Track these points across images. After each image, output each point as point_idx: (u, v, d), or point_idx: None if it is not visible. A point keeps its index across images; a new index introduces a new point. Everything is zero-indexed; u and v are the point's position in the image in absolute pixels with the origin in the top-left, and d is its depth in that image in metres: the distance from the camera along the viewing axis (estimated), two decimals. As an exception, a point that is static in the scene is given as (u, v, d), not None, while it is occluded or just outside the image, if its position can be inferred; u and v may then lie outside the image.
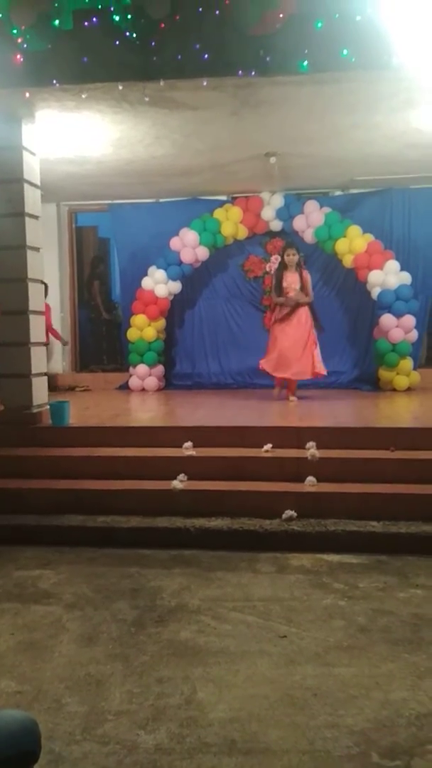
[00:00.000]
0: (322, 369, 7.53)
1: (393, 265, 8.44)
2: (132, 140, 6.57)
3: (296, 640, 3.30)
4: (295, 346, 7.40)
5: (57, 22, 4.97)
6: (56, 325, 9.61)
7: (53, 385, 8.99)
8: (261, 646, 3.25)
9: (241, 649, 3.22)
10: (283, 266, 7.63)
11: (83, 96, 5.28)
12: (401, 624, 3.46)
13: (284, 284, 7.53)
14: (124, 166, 7.54)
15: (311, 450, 5.32)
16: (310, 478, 5.11)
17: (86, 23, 4.97)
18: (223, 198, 9.15)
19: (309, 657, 3.13)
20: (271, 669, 3.03)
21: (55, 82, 5.08)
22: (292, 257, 7.48)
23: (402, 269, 8.48)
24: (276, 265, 8.23)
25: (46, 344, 8.98)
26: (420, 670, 3.00)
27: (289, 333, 7.46)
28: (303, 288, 7.51)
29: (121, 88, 5.13)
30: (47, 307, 9.15)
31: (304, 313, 7.49)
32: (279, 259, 7.66)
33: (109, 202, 9.46)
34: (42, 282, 6.47)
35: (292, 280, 7.50)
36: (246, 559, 4.39)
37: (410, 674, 2.97)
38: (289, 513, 4.79)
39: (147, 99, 5.36)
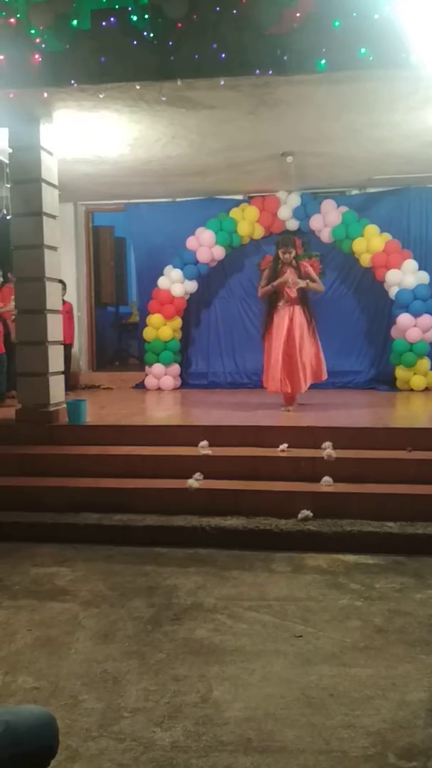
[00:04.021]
0: (323, 374, 6.74)
1: (411, 264, 8.39)
2: (149, 140, 6.59)
3: (312, 640, 3.29)
4: (292, 356, 6.52)
5: (75, 22, 5.00)
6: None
7: (73, 384, 9.05)
8: (277, 645, 3.24)
9: (256, 648, 3.22)
10: (278, 263, 6.70)
11: (101, 96, 5.30)
12: (418, 625, 3.44)
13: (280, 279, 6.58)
14: (140, 166, 7.56)
15: (327, 450, 5.30)
16: (326, 478, 5.10)
17: (104, 23, 4.99)
18: (240, 197, 9.14)
19: (325, 657, 3.12)
20: (287, 668, 3.03)
21: (73, 82, 5.10)
22: (288, 255, 6.63)
23: (420, 268, 8.43)
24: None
25: (71, 344, 9.06)
26: (437, 672, 2.98)
27: (281, 341, 6.52)
28: (311, 279, 6.65)
29: (138, 87, 5.14)
30: (69, 305, 9.22)
31: (298, 314, 6.59)
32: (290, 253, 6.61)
33: (126, 201, 9.49)
34: (60, 281, 6.51)
35: (290, 275, 6.59)
36: (262, 558, 4.39)
37: (427, 675, 2.95)
38: (305, 513, 4.78)
39: (164, 98, 5.37)
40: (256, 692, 2.83)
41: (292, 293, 6.56)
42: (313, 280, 6.68)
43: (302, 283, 6.57)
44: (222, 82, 5.06)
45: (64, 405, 6.20)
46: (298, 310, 6.61)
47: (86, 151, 6.90)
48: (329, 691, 2.83)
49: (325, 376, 6.80)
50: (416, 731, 2.54)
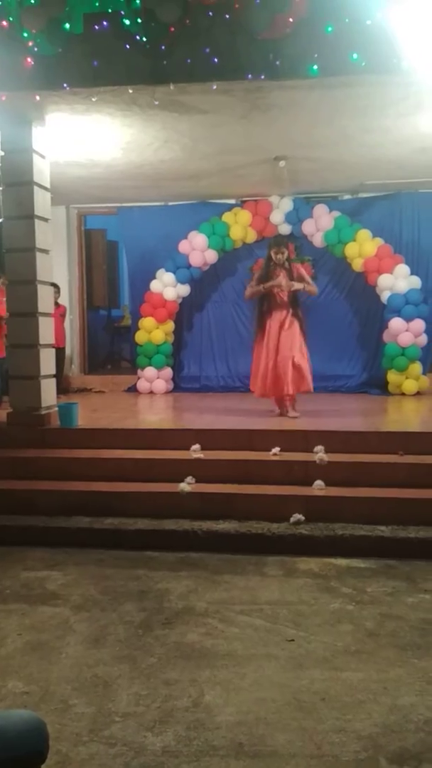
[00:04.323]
0: (309, 386, 6.55)
1: (403, 269, 8.42)
2: (141, 144, 6.59)
3: (304, 644, 3.28)
4: (283, 362, 6.41)
5: (68, 25, 4.99)
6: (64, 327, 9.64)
7: (65, 387, 9.02)
8: (268, 649, 3.24)
9: (248, 652, 3.21)
10: (271, 264, 6.58)
11: (93, 99, 5.30)
12: (410, 629, 3.45)
13: (272, 281, 6.50)
14: (133, 170, 7.56)
15: (319, 454, 5.31)
16: (319, 482, 5.10)
17: (97, 27, 5.00)
18: (232, 201, 9.16)
19: (317, 661, 3.12)
20: (278, 673, 3.02)
21: (65, 85, 5.10)
22: (280, 256, 6.52)
23: (411, 273, 8.47)
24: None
25: (63, 348, 9.04)
26: (428, 675, 2.98)
27: (271, 347, 6.47)
28: (304, 281, 6.58)
29: (131, 91, 5.15)
30: (63, 309, 9.20)
31: (289, 320, 6.50)
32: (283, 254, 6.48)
33: (118, 205, 9.49)
34: (53, 285, 6.49)
35: (282, 279, 6.51)
36: (253, 562, 4.38)
37: (418, 679, 2.95)
38: (297, 516, 4.78)
39: (157, 102, 5.37)
40: (247, 696, 2.82)
41: (284, 297, 6.50)
42: (307, 283, 6.61)
43: (298, 286, 6.50)
44: (215, 87, 5.07)
45: (56, 408, 6.18)
46: (289, 315, 6.53)
47: (79, 154, 6.89)
48: (321, 696, 2.82)
49: (308, 389, 6.56)
50: (408, 735, 2.54)
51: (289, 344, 6.45)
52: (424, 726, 2.60)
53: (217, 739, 2.53)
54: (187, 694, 2.84)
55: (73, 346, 9.95)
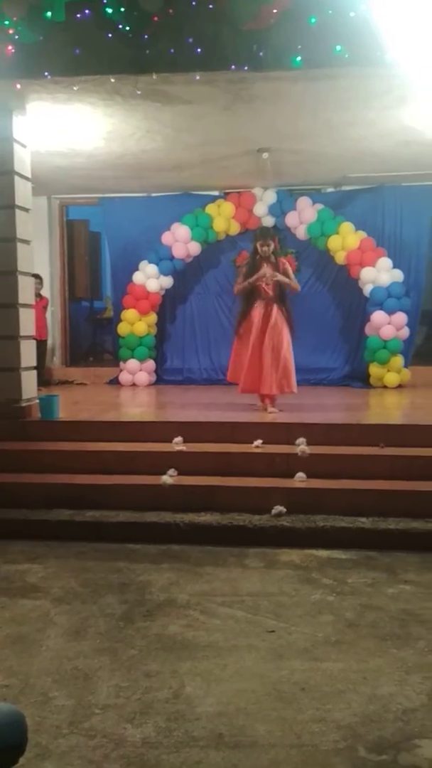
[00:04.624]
0: (293, 387, 6.45)
1: (385, 262, 8.46)
2: (123, 134, 6.54)
3: (284, 635, 3.30)
4: (269, 360, 6.30)
5: (49, 13, 4.92)
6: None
7: (47, 380, 8.97)
8: (249, 640, 3.25)
9: (229, 643, 3.22)
10: (257, 257, 6.46)
11: (75, 88, 5.25)
12: (389, 619, 3.48)
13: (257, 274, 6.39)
14: (115, 160, 7.51)
15: (301, 446, 5.33)
16: (300, 474, 5.12)
17: (78, 15, 4.93)
18: (215, 193, 9.13)
19: (297, 652, 3.14)
20: (259, 663, 3.03)
21: (46, 74, 5.04)
22: (266, 248, 6.38)
23: (394, 266, 8.50)
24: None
25: (45, 340, 8.98)
26: (407, 666, 3.01)
27: (257, 344, 6.34)
28: (288, 277, 6.46)
29: (113, 80, 5.10)
30: (46, 301, 9.14)
31: (275, 314, 6.38)
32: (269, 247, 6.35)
33: (101, 195, 9.42)
34: (35, 276, 6.43)
35: (268, 272, 6.38)
36: (235, 554, 4.39)
37: (398, 669, 2.98)
38: (279, 508, 4.80)
39: (139, 92, 5.33)
40: (227, 687, 2.83)
41: (270, 290, 6.37)
42: (291, 279, 6.48)
43: (281, 277, 6.36)
44: (198, 77, 5.04)
45: (37, 400, 6.14)
46: (275, 309, 6.39)
47: (60, 143, 6.83)
48: (301, 686, 2.84)
49: (292, 390, 6.45)
50: (386, 725, 2.57)
51: (275, 342, 6.32)
52: (402, 715, 2.63)
53: (197, 730, 2.54)
54: (168, 686, 2.85)
55: (54, 337, 9.89)
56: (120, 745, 2.45)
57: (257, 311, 6.42)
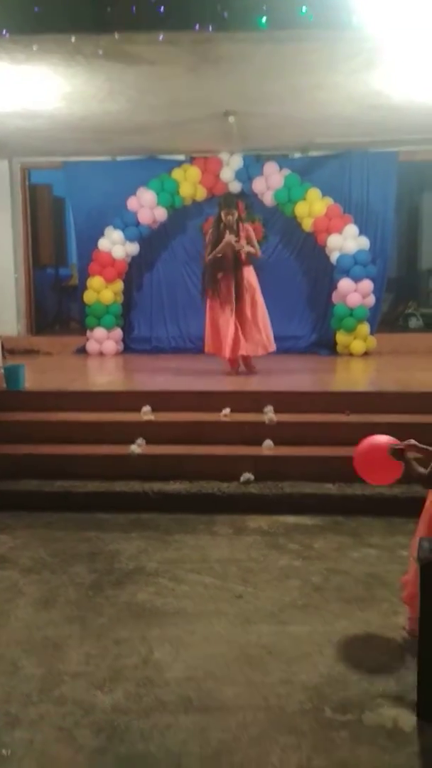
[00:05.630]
0: (271, 345, 6.82)
1: (352, 229, 8.43)
2: (85, 95, 6.35)
3: (252, 600, 3.36)
4: (246, 319, 6.53)
5: (6, -32, 4.73)
6: (9, 285, 9.38)
7: (10, 349, 8.81)
8: (218, 606, 3.30)
9: (197, 609, 3.27)
10: (221, 226, 6.57)
11: (34, 48, 5.05)
12: (354, 582, 3.56)
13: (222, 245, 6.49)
14: (77, 122, 7.30)
15: (269, 414, 5.36)
16: (268, 442, 5.16)
17: (37, -30, 4.74)
18: (181, 158, 8.96)
19: (264, 616, 3.20)
20: (227, 628, 3.09)
21: (4, 32, 4.83)
22: (230, 218, 6.50)
23: (360, 234, 8.49)
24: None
25: None
26: (372, 627, 3.09)
27: (230, 311, 6.51)
28: (249, 243, 6.60)
29: (73, 40, 4.92)
30: None
31: (247, 275, 6.56)
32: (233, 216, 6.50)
33: (64, 159, 9.18)
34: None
35: (233, 240, 6.50)
36: (204, 521, 4.44)
37: (362, 630, 3.06)
38: (247, 476, 4.84)
39: (101, 52, 5.16)
40: (196, 653, 2.88)
41: (239, 257, 6.46)
42: (252, 246, 6.60)
43: (249, 249, 6.51)
44: (161, 37, 4.89)
45: (2, 370, 6.05)
46: (246, 271, 6.57)
47: (19, 104, 6.61)
48: (268, 649, 2.90)
49: (272, 348, 6.84)
50: (351, 685, 2.64)
51: (250, 306, 6.55)
52: (367, 676, 2.71)
53: (166, 695, 2.58)
54: (137, 653, 2.89)
55: (18, 305, 9.70)
56: (90, 712, 2.48)
57: (227, 278, 6.50)
